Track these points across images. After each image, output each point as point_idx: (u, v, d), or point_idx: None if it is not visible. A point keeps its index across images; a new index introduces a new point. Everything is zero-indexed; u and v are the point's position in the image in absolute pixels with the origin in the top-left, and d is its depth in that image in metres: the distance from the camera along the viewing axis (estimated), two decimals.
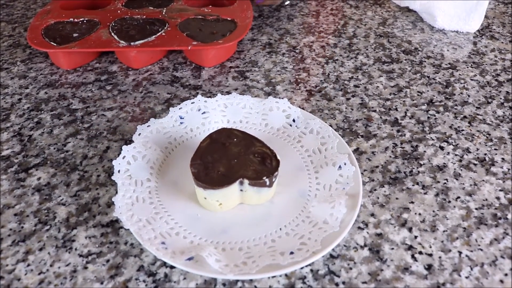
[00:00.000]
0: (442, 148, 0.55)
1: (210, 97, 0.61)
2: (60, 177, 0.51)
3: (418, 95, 0.63)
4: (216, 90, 0.63)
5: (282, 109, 0.54)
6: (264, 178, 0.44)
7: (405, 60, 0.70)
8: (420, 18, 0.82)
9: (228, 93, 0.62)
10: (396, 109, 0.60)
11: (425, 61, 0.70)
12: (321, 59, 0.70)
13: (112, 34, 0.66)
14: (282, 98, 0.55)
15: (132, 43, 0.63)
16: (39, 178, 0.51)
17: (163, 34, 0.66)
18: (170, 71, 0.66)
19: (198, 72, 0.66)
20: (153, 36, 0.65)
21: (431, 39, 0.76)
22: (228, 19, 0.70)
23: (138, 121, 0.58)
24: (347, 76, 0.66)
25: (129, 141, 0.55)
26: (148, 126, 0.52)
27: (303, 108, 0.60)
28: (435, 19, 0.78)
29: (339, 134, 0.56)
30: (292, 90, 0.63)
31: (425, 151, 0.54)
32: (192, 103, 0.54)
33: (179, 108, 0.54)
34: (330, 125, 0.57)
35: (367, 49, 0.72)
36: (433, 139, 0.56)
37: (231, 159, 0.45)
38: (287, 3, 0.82)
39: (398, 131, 0.57)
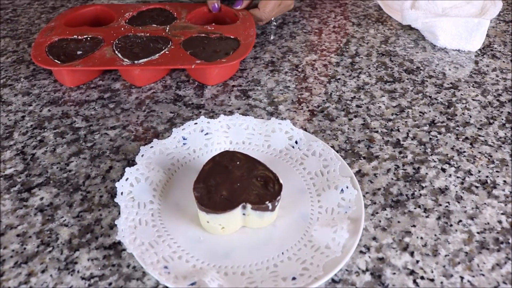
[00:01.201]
0: (444, 170, 0.55)
1: (213, 117, 0.62)
2: (63, 197, 0.51)
3: (420, 115, 0.64)
4: (219, 109, 0.63)
5: (284, 130, 0.55)
6: (267, 202, 0.44)
7: (407, 79, 0.71)
8: (422, 36, 0.82)
9: (231, 113, 0.63)
10: (398, 130, 0.61)
11: (427, 81, 0.71)
12: (324, 78, 0.70)
13: (116, 52, 0.66)
14: (285, 119, 0.55)
15: (135, 62, 0.64)
16: (42, 198, 0.51)
17: (167, 52, 0.66)
18: (173, 90, 0.67)
19: (201, 90, 0.67)
20: (157, 54, 0.66)
21: (433, 58, 0.77)
22: (231, 37, 0.71)
23: (141, 140, 0.58)
24: (349, 96, 0.67)
25: (131, 161, 0.55)
26: (151, 147, 0.52)
27: (305, 129, 0.60)
28: (437, 38, 0.79)
29: (341, 156, 0.56)
30: (294, 110, 0.64)
31: (427, 173, 0.55)
32: (195, 123, 0.54)
33: (182, 129, 0.54)
34: (332, 146, 0.58)
35: (369, 68, 0.73)
36: (435, 161, 0.57)
37: (234, 183, 0.45)
38: (273, 23, 0.84)
39: (400, 152, 0.58)
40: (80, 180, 0.53)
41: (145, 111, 0.63)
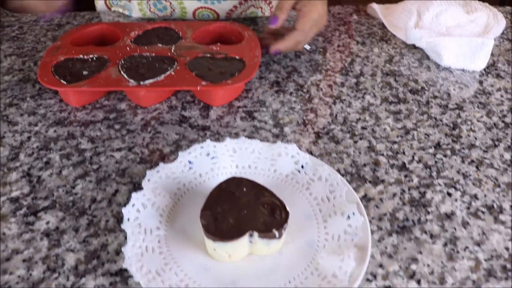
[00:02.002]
0: (449, 194, 0.55)
1: (218, 139, 0.62)
2: (69, 221, 0.51)
3: (425, 137, 0.64)
4: (225, 131, 0.63)
5: (290, 154, 0.55)
6: (274, 230, 0.44)
7: (412, 100, 0.71)
8: (426, 55, 0.83)
9: (237, 135, 0.63)
10: (404, 153, 0.61)
11: (431, 101, 0.71)
12: (329, 99, 0.70)
13: (122, 72, 0.66)
14: (291, 143, 0.55)
15: (141, 83, 0.64)
16: (48, 222, 0.51)
17: (172, 73, 0.67)
18: (179, 110, 0.67)
19: (206, 111, 0.67)
20: (163, 75, 0.66)
21: (437, 77, 0.77)
22: (237, 57, 0.71)
23: (146, 163, 0.58)
24: (354, 117, 0.67)
25: (137, 185, 0.55)
26: (157, 172, 0.52)
27: (311, 152, 0.60)
28: (441, 57, 0.79)
29: (347, 180, 0.56)
30: (300, 132, 0.64)
31: (432, 198, 0.55)
32: (201, 147, 0.54)
33: (188, 153, 0.54)
34: (338, 170, 0.58)
35: (374, 88, 0.73)
36: (440, 185, 0.57)
37: (241, 210, 0.45)
38: (308, 48, 0.82)
39: (405, 176, 0.58)
40: (86, 203, 0.53)
41: (151, 132, 0.63)
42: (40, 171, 0.57)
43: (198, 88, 0.64)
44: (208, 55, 0.71)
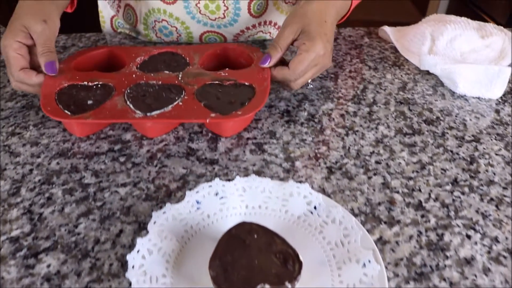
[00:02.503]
0: (469, 237, 0.53)
1: (227, 174, 0.60)
2: (71, 264, 0.49)
3: (442, 173, 0.61)
4: (233, 165, 0.61)
5: (303, 194, 0.53)
6: (287, 283, 0.42)
7: (427, 131, 0.69)
8: (440, 82, 0.81)
9: (246, 169, 0.61)
10: (420, 190, 0.59)
11: (447, 133, 0.69)
12: (341, 130, 0.68)
13: (128, 102, 0.65)
14: (303, 181, 0.53)
15: (148, 114, 0.62)
16: (49, 265, 0.49)
17: (180, 103, 0.65)
18: (186, 142, 0.65)
19: (215, 143, 0.65)
20: (170, 106, 0.64)
21: (452, 106, 0.75)
22: (246, 84, 0.69)
23: (152, 200, 0.56)
24: (368, 151, 0.65)
25: (143, 224, 0.53)
26: (163, 213, 0.50)
27: (323, 189, 0.58)
28: (456, 85, 0.77)
29: (361, 220, 0.54)
30: (312, 167, 0.62)
31: (451, 241, 0.52)
32: (209, 186, 0.52)
33: (196, 192, 0.52)
34: (352, 209, 0.55)
35: (387, 118, 0.71)
36: (459, 226, 0.54)
37: (252, 260, 0.43)
38: (311, 86, 0.78)
39: (422, 216, 0.55)
40: (89, 245, 0.51)
41: (157, 166, 0.61)
42: (41, 208, 0.55)
43: (207, 121, 0.62)
44: (217, 82, 0.69)
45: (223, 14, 0.83)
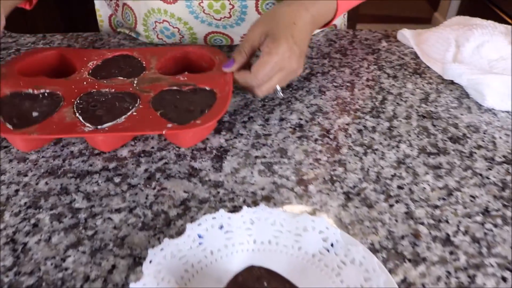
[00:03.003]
0: (504, 279, 0.47)
1: (233, 199, 0.54)
2: None
3: (471, 200, 0.56)
4: (240, 189, 0.56)
5: (318, 229, 0.47)
6: None
7: (453, 150, 0.63)
8: (465, 93, 0.74)
9: (254, 194, 0.55)
10: (447, 221, 0.53)
11: (475, 153, 0.63)
12: (359, 148, 0.62)
13: (77, 114, 0.58)
14: (318, 210, 0.48)
15: (99, 127, 0.57)
16: None
17: (134, 113, 0.59)
18: (188, 160, 0.59)
19: (219, 162, 0.59)
20: (123, 117, 0.58)
21: (480, 121, 0.68)
22: (206, 88, 0.63)
23: (149, 229, 0.51)
24: (388, 173, 0.59)
25: (138, 259, 0.48)
26: (161, 250, 0.44)
27: (340, 218, 0.53)
28: (484, 97, 0.71)
29: (383, 257, 0.48)
30: (327, 192, 0.56)
31: (484, 284, 0.47)
32: (213, 218, 0.47)
33: (198, 224, 0.47)
34: (372, 244, 0.50)
35: (409, 135, 0.65)
36: (492, 266, 0.48)
37: None
38: (279, 94, 0.69)
39: (451, 252, 0.50)
40: (77, 282, 0.46)
41: (155, 188, 0.56)
42: (26, 237, 0.50)
43: (163, 132, 0.56)
44: (175, 87, 0.63)
45: (229, 13, 0.77)
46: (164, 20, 0.79)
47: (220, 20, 0.78)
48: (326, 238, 0.47)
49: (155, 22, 0.79)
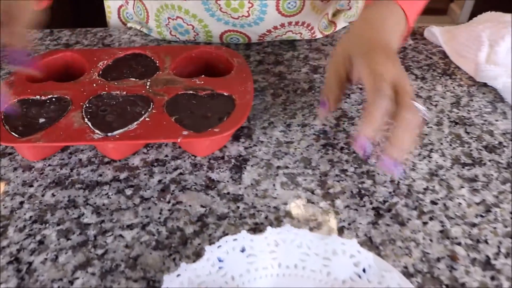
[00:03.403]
0: None
1: (254, 214, 0.50)
2: None
3: (511, 218, 0.51)
4: (262, 203, 0.52)
5: (349, 253, 0.43)
6: None
7: (489, 161, 0.59)
8: (499, 96, 0.70)
9: (276, 209, 0.51)
10: (486, 242, 0.49)
11: None
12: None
13: (86, 120, 0.55)
14: (347, 228, 0.44)
15: (109, 134, 0.53)
16: None
17: (147, 119, 0.55)
18: (205, 171, 0.56)
19: (239, 173, 0.55)
20: (135, 123, 0.54)
21: None
22: (225, 94, 0.59)
23: (164, 249, 0.47)
24: (421, 186, 0.54)
25: (151, 282, 0.44)
26: (177, 276, 0.41)
27: (370, 237, 0.49)
28: None
29: (418, 282, 0.45)
30: (355, 207, 0.52)
31: None
32: (234, 240, 0.43)
33: (218, 246, 0.43)
34: (406, 267, 0.46)
35: (441, 143, 0.61)
36: None
37: None
38: (423, 111, 0.53)
39: (492, 278, 0.46)
40: None
41: (170, 202, 0.52)
42: (31, 255, 0.46)
43: (179, 140, 0.53)
44: (190, 91, 0.59)
45: (247, 12, 0.72)
46: (178, 17, 0.74)
47: (237, 18, 0.73)
48: (357, 263, 0.43)
49: (168, 18, 0.75)
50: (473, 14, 0.93)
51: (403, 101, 0.48)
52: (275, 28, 0.76)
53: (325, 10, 0.78)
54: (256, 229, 0.49)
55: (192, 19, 0.74)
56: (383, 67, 0.49)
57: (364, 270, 0.43)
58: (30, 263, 0.46)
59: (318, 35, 0.81)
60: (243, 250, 0.43)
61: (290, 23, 0.76)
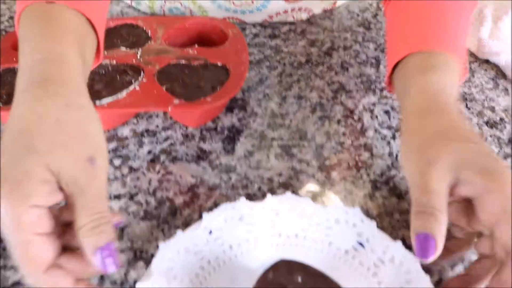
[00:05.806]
0: None
1: (247, 185, 0.50)
2: None
3: None
4: (255, 174, 0.51)
5: (352, 222, 0.43)
6: None
7: (490, 136, 0.58)
8: (501, 73, 0.69)
9: (270, 180, 0.50)
10: None
11: None
12: (386, 131, 0.58)
13: None
14: (353, 207, 0.43)
15: (97, 103, 0.52)
16: None
17: (137, 88, 0.54)
18: (196, 141, 0.55)
19: (231, 144, 0.54)
20: (124, 92, 0.53)
21: None
22: (218, 64, 0.58)
23: (152, 219, 0.46)
24: None
25: (139, 253, 0.43)
26: (173, 244, 0.40)
27: (367, 209, 0.48)
28: None
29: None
30: (352, 179, 0.51)
31: None
32: (233, 208, 0.42)
33: (215, 215, 0.42)
34: (403, 239, 0.45)
35: None
36: None
37: None
38: None
39: None
40: None
41: (159, 172, 0.51)
42: None
43: (169, 109, 0.52)
44: (183, 61, 0.59)
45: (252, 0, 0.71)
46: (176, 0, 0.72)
47: (240, 6, 0.72)
48: (361, 233, 0.43)
49: (165, 0, 0.73)
50: None
51: None
52: (277, 14, 0.75)
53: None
54: (250, 199, 0.48)
55: (192, 4, 0.72)
56: None
57: (367, 240, 0.42)
58: None
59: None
60: (241, 218, 0.42)
61: (293, 9, 0.74)
